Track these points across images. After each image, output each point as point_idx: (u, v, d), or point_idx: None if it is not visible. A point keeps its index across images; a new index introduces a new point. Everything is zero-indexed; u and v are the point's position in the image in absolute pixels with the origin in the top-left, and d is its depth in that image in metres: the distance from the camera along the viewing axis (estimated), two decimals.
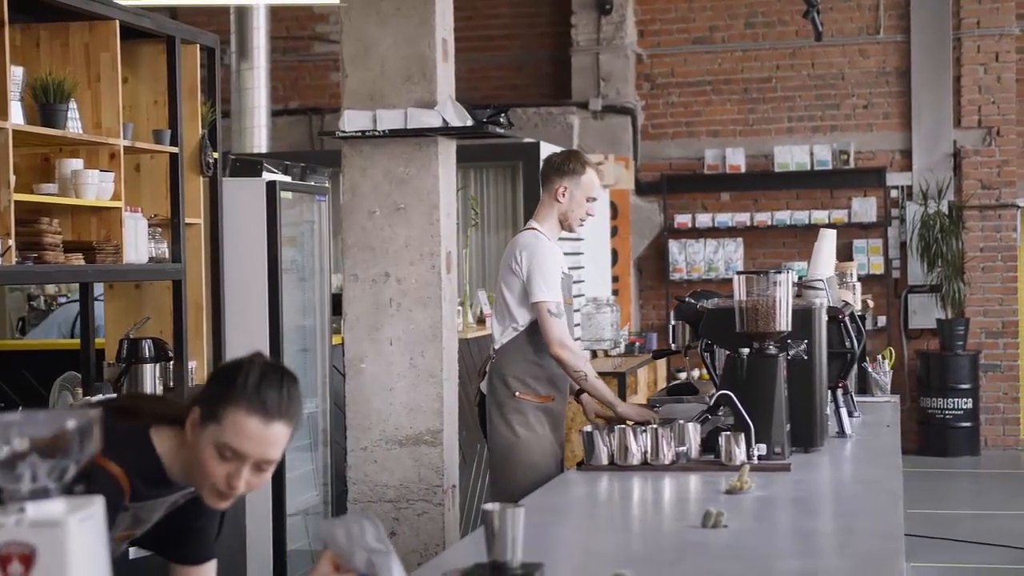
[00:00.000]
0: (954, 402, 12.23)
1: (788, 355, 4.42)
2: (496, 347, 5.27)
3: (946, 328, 12.32)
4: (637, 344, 10.71)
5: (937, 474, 11.49)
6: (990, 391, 12.56)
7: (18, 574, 1.68)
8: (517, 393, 5.18)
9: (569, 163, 5.31)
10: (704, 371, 11.92)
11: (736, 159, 12.86)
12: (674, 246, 12.92)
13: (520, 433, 5.16)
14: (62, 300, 9.19)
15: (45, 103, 4.87)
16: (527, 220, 9.73)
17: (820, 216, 12.57)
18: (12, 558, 1.68)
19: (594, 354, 10.23)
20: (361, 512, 2.58)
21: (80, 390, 5.42)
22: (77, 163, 5.10)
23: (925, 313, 12.60)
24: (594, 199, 5.35)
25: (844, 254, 12.31)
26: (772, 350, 4.38)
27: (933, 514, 9.62)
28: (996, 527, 9.23)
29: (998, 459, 12.26)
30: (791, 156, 12.73)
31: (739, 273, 4.43)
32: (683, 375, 12.18)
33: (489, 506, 2.68)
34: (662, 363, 11.33)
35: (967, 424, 12.27)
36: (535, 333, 5.18)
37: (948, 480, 11.36)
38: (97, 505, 1.76)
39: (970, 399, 12.26)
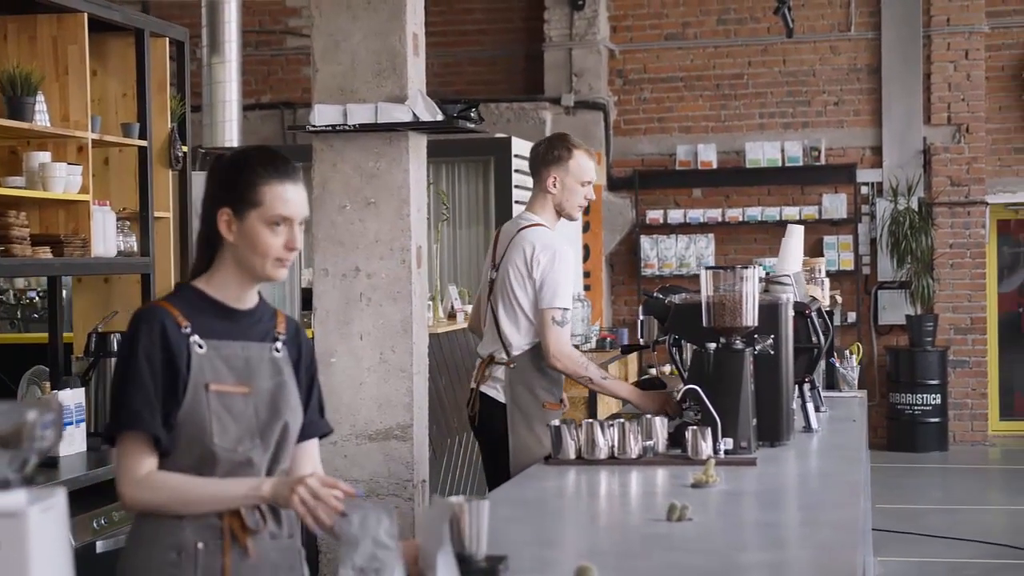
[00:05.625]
0: (923, 398, 12.31)
1: (755, 350, 4.43)
2: (514, 352, 5.01)
3: (915, 324, 12.39)
4: (609, 340, 10.73)
5: (906, 469, 11.55)
6: (958, 387, 12.64)
7: None
8: (545, 404, 5.00)
9: (554, 150, 5.06)
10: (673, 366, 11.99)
11: (708, 155, 12.90)
12: (646, 242, 12.95)
13: (547, 444, 4.73)
14: (32, 295, 9.14)
15: (12, 96, 4.84)
16: (498, 214, 9.83)
17: (791, 212, 12.63)
18: None
19: None
20: (383, 505, 2.62)
21: (48, 384, 5.39)
22: (45, 156, 5.08)
23: (894, 309, 12.67)
24: (589, 182, 5.08)
25: (814, 250, 12.36)
26: (739, 345, 4.39)
27: (902, 509, 9.68)
28: (964, 522, 9.30)
29: (966, 454, 12.34)
30: (762, 152, 12.78)
31: (707, 268, 4.44)
32: (653, 370, 12.22)
33: (454, 499, 2.69)
34: (633, 358, 11.36)
35: (935, 420, 12.35)
36: None
37: (916, 475, 11.43)
38: (58, 498, 1.77)
39: (939, 395, 12.34)
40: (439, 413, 6.98)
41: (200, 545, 2.77)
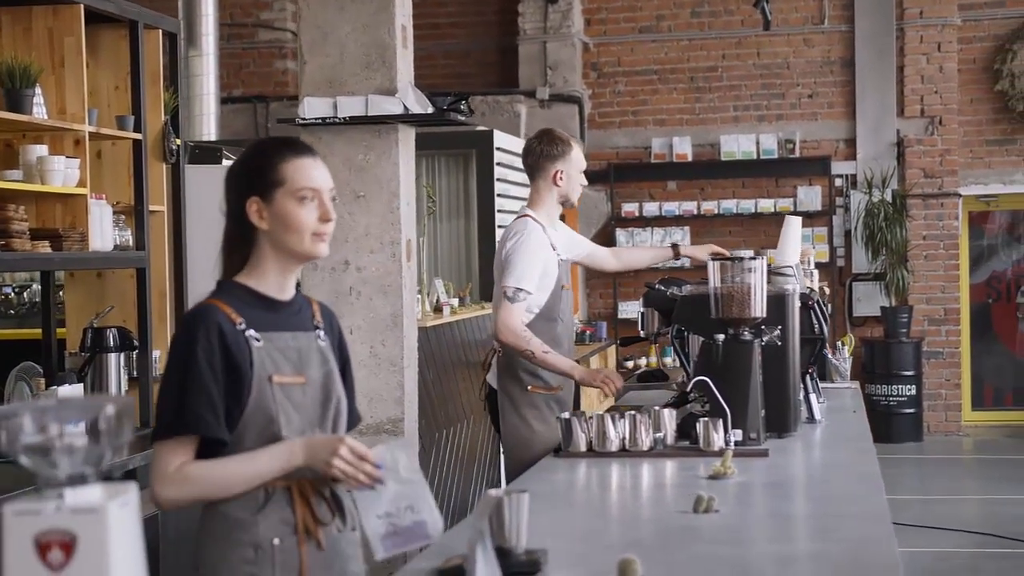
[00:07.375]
0: (898, 389, 12.38)
1: (763, 341, 4.43)
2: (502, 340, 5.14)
3: (890, 315, 12.45)
4: (588, 333, 10.74)
5: (881, 460, 11.48)
6: (933, 378, 12.72)
7: (59, 561, 1.66)
8: (529, 387, 5.14)
9: (557, 146, 5.30)
10: (656, 359, 12.00)
11: (683, 148, 12.92)
12: (622, 235, 12.95)
13: (536, 428, 5.11)
14: (7, 291, 9.06)
15: (11, 88, 4.78)
16: (480, 208, 9.82)
17: (766, 205, 12.66)
18: (52, 545, 1.66)
19: None
20: (396, 443, 2.63)
21: (43, 380, 5.32)
22: (42, 149, 5.01)
23: (869, 301, 12.73)
24: (584, 170, 5.43)
25: None
26: (747, 336, 4.39)
27: None
28: (940, 511, 9.37)
29: (941, 445, 12.42)
30: (737, 145, 12.80)
31: (714, 259, 4.44)
32: (630, 363, 12.24)
33: (495, 492, 2.67)
34: (612, 351, 11.37)
35: (911, 410, 12.42)
36: (540, 322, 5.12)
37: (893, 466, 11.46)
38: (132, 492, 1.74)
39: (913, 386, 12.41)
40: (427, 407, 6.95)
41: (276, 541, 2.76)
